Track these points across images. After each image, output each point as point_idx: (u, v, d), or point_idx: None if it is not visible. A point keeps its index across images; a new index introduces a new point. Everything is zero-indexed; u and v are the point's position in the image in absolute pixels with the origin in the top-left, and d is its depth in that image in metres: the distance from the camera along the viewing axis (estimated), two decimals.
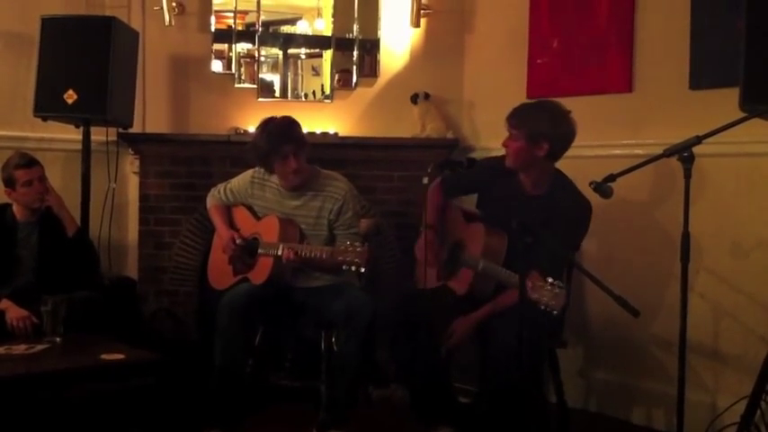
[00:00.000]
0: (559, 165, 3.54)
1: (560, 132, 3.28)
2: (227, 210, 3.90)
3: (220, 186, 3.92)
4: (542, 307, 2.73)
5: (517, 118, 3.32)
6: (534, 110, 3.35)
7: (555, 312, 2.71)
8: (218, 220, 3.88)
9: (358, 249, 3.28)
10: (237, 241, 3.72)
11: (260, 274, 3.63)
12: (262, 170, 3.75)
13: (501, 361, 3.10)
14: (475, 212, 3.64)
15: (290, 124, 3.61)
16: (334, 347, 3.66)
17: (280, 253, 3.52)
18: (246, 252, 3.74)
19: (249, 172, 3.81)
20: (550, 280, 2.73)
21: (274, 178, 3.72)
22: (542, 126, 3.26)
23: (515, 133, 3.31)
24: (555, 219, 3.19)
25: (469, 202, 3.72)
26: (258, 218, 3.78)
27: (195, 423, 3.55)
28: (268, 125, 3.61)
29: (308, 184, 3.68)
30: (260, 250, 3.65)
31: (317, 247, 3.52)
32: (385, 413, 4.02)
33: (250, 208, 3.84)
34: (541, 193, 3.38)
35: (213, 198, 3.93)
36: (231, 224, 3.87)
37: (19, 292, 3.68)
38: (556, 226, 3.12)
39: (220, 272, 3.83)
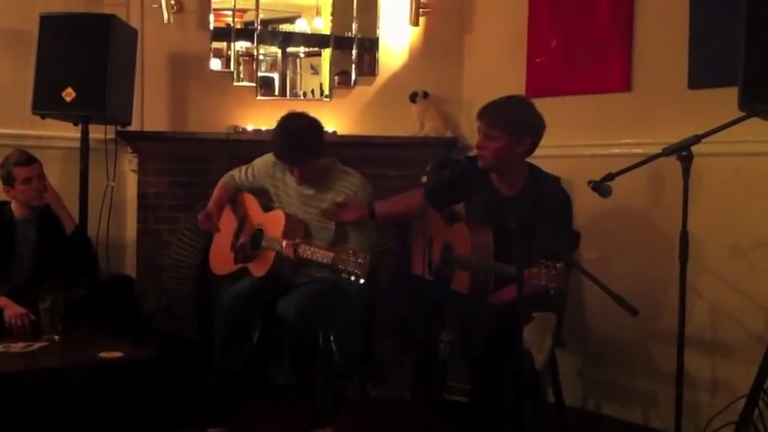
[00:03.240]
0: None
1: (540, 125, 3.25)
2: (235, 194, 3.91)
3: (243, 167, 3.90)
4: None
5: (495, 117, 3.22)
6: (511, 106, 3.26)
7: (552, 292, 2.70)
8: (213, 198, 3.88)
9: (359, 261, 3.22)
10: (240, 240, 3.72)
11: (261, 267, 3.65)
12: None
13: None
14: (454, 212, 3.64)
15: (293, 138, 3.56)
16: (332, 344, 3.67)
17: (282, 249, 3.53)
18: (249, 243, 3.76)
19: (271, 155, 3.76)
20: (544, 261, 2.72)
21: None
22: (525, 121, 3.22)
23: (495, 133, 3.20)
24: (539, 219, 3.17)
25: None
26: (266, 210, 3.79)
27: (195, 421, 3.55)
28: (279, 128, 3.60)
29: (322, 177, 3.69)
30: (263, 243, 3.66)
31: (320, 250, 3.46)
32: (383, 411, 4.02)
33: (262, 195, 3.84)
34: (517, 194, 3.31)
35: (229, 178, 3.92)
36: (239, 208, 3.90)
37: (17, 289, 3.68)
38: (542, 225, 3.12)
39: (222, 258, 3.85)
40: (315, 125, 3.63)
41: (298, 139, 3.55)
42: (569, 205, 3.30)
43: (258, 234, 3.74)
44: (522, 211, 3.10)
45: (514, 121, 3.20)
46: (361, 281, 3.24)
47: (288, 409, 3.95)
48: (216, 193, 3.91)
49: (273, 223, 3.67)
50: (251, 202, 3.89)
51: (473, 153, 4.55)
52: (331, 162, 3.74)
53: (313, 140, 3.59)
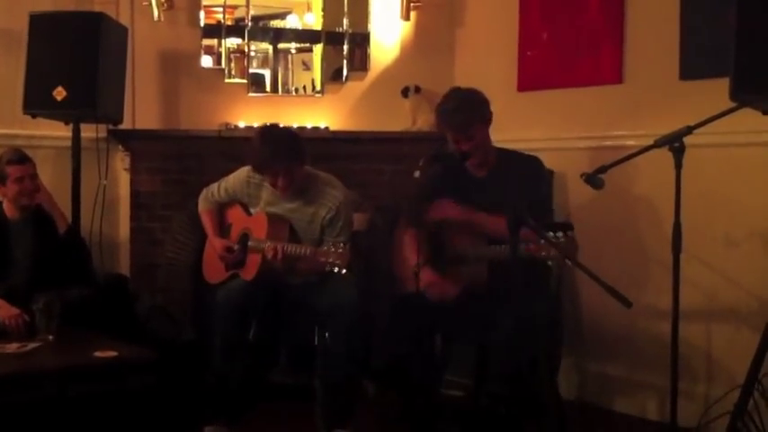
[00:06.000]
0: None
1: (480, 93, 3.43)
2: (219, 213, 3.90)
3: (213, 187, 3.89)
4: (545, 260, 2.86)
5: (462, 119, 3.35)
6: (466, 103, 3.38)
7: (569, 261, 2.81)
8: (209, 227, 3.86)
9: (339, 251, 3.30)
10: (235, 247, 3.71)
11: (249, 270, 3.65)
12: None
13: (503, 350, 3.17)
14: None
15: (281, 143, 3.55)
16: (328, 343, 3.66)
17: (265, 250, 3.54)
18: (240, 248, 3.76)
19: (244, 171, 3.76)
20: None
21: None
22: (484, 106, 3.39)
23: (473, 132, 3.34)
24: (515, 188, 3.21)
25: None
26: (250, 213, 3.78)
27: (191, 420, 3.54)
28: (263, 138, 3.59)
29: (304, 188, 3.66)
30: (249, 245, 3.67)
31: (300, 246, 3.52)
32: (381, 409, 4.02)
33: (245, 204, 3.83)
34: (488, 171, 3.43)
35: (206, 202, 3.90)
36: (222, 221, 3.88)
37: (13, 291, 3.66)
38: (521, 194, 3.15)
39: (213, 267, 3.84)
40: (294, 131, 3.68)
41: (287, 144, 3.55)
42: (542, 170, 3.41)
43: (245, 237, 3.74)
44: (494, 189, 3.30)
45: (480, 111, 3.38)
46: (343, 271, 3.28)
47: (286, 410, 3.94)
48: (207, 225, 3.87)
49: (258, 225, 3.67)
50: (235, 210, 3.88)
51: None
52: (311, 171, 3.70)
53: (299, 144, 3.58)
